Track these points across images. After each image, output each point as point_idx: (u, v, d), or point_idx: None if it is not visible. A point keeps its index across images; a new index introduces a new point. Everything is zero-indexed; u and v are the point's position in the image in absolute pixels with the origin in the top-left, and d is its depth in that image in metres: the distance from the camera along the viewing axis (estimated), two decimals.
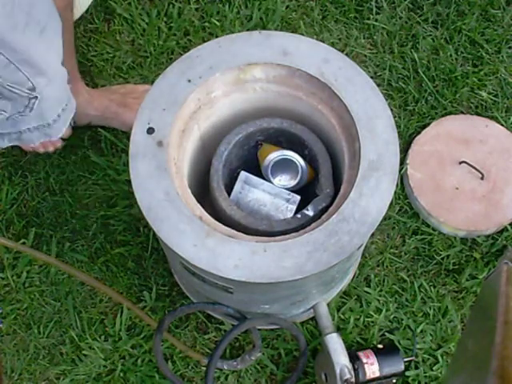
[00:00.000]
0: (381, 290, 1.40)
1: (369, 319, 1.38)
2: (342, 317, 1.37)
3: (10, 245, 1.39)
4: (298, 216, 1.08)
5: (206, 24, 1.62)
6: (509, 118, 1.55)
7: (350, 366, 1.20)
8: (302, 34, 1.57)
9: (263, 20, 1.62)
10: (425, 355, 1.36)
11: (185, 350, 1.34)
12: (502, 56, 1.61)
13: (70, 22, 1.30)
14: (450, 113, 1.55)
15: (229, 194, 1.12)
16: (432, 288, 1.41)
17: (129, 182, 1.05)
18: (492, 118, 1.55)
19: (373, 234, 1.42)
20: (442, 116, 1.54)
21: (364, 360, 1.24)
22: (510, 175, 1.49)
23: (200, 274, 1.05)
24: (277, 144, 1.17)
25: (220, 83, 1.12)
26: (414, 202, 1.47)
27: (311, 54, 1.11)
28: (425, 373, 1.34)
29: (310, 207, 1.08)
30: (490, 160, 1.50)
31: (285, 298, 1.18)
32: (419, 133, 1.52)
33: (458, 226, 1.44)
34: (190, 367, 1.34)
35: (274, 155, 1.14)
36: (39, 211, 1.46)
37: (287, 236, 1.03)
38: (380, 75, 1.58)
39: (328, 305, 1.31)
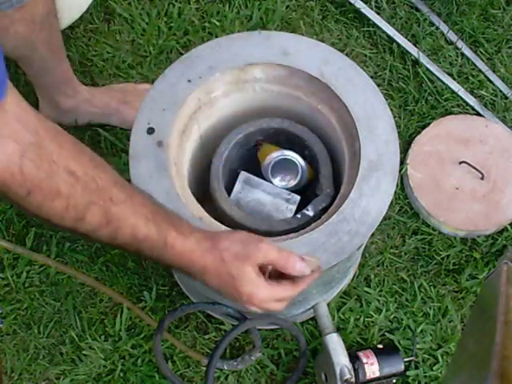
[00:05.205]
0: (381, 290, 1.40)
1: (369, 319, 1.38)
2: (342, 317, 1.37)
3: (8, 247, 1.40)
4: (298, 216, 1.08)
5: (206, 24, 1.62)
6: (509, 118, 1.56)
7: (350, 365, 1.20)
8: (302, 34, 1.57)
9: (263, 20, 1.62)
10: (425, 355, 1.36)
11: (185, 350, 1.33)
12: (502, 56, 1.62)
13: (56, 28, 1.30)
14: (450, 113, 1.55)
15: (229, 194, 1.12)
16: (432, 288, 1.41)
17: (129, 181, 1.05)
18: (492, 118, 1.55)
19: (373, 234, 1.42)
20: (442, 116, 1.54)
21: (364, 360, 1.24)
22: (510, 175, 1.49)
23: None
24: (277, 144, 1.17)
25: (220, 83, 1.12)
26: (414, 202, 1.47)
27: (311, 54, 1.11)
28: (425, 373, 1.34)
29: (310, 207, 1.08)
30: (490, 160, 1.50)
31: None
32: (419, 133, 1.52)
33: (458, 226, 1.44)
34: (190, 367, 1.34)
35: (274, 155, 1.14)
36: None
37: (287, 236, 1.03)
38: (380, 75, 1.58)
39: (328, 305, 1.31)
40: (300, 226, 1.06)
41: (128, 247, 0.83)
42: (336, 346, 1.21)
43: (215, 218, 1.05)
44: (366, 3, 1.63)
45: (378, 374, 1.24)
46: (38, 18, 1.19)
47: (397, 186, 1.08)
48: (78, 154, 0.77)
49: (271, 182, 1.14)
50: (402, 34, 1.61)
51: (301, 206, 1.10)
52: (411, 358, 1.33)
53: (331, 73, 1.10)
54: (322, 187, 1.10)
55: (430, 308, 1.39)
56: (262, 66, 1.11)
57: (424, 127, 1.53)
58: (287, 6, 1.65)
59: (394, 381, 1.28)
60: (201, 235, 0.86)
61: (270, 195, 1.12)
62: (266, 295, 0.88)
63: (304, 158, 1.15)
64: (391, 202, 1.04)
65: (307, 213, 1.07)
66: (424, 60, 1.58)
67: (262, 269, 0.88)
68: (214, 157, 1.12)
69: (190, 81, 1.09)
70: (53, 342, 1.37)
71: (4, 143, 0.68)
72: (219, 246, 0.86)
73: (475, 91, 1.58)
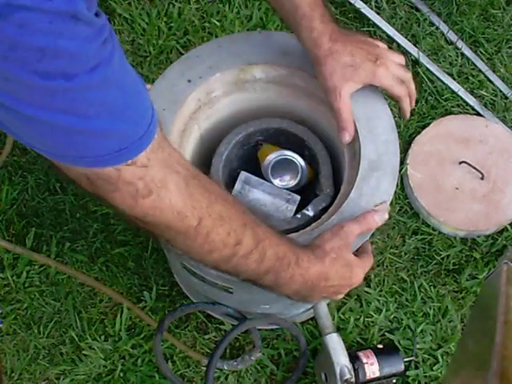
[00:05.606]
0: (381, 290, 1.40)
1: (369, 319, 1.38)
2: (342, 317, 1.37)
3: (8, 247, 1.40)
4: (298, 216, 1.08)
5: (206, 24, 1.62)
6: (509, 118, 1.56)
7: (350, 365, 1.20)
8: None
9: (263, 20, 1.62)
10: (425, 355, 1.36)
11: (185, 350, 1.33)
12: (502, 56, 1.61)
13: None
14: (450, 113, 1.55)
15: None
16: (432, 288, 1.41)
17: None
18: (492, 118, 1.55)
19: (373, 234, 1.42)
20: (442, 116, 1.54)
21: (364, 360, 1.24)
22: (510, 175, 1.49)
23: (200, 274, 1.05)
24: (277, 144, 1.17)
25: (220, 83, 1.12)
26: (414, 202, 1.47)
27: None
28: (425, 373, 1.34)
29: (310, 207, 1.08)
30: (490, 160, 1.50)
31: (285, 298, 1.18)
32: (419, 133, 1.52)
33: (458, 226, 1.44)
34: (190, 367, 1.34)
35: (274, 155, 1.14)
36: (39, 211, 1.46)
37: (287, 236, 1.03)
38: None
39: (328, 305, 1.31)
40: (300, 226, 1.05)
41: (269, 272, 0.86)
42: (336, 345, 1.21)
43: None
44: (365, 3, 1.63)
45: (378, 374, 1.24)
46: None
47: (397, 185, 1.08)
48: (214, 183, 0.81)
49: (271, 182, 1.14)
50: (402, 34, 1.61)
51: (301, 206, 1.10)
52: (411, 358, 1.33)
53: None
54: (322, 187, 1.10)
55: (430, 308, 1.39)
56: (261, 66, 1.11)
57: (424, 127, 1.53)
58: None
59: (394, 381, 1.28)
60: (309, 247, 0.93)
61: (270, 195, 1.12)
62: (365, 268, 0.97)
63: (304, 158, 1.15)
64: (391, 202, 1.04)
65: (307, 213, 1.07)
66: (424, 60, 1.58)
67: None
68: (214, 157, 1.12)
69: (189, 81, 1.09)
70: (53, 342, 1.37)
71: (171, 172, 0.71)
72: (326, 248, 0.92)
73: (475, 91, 1.58)
